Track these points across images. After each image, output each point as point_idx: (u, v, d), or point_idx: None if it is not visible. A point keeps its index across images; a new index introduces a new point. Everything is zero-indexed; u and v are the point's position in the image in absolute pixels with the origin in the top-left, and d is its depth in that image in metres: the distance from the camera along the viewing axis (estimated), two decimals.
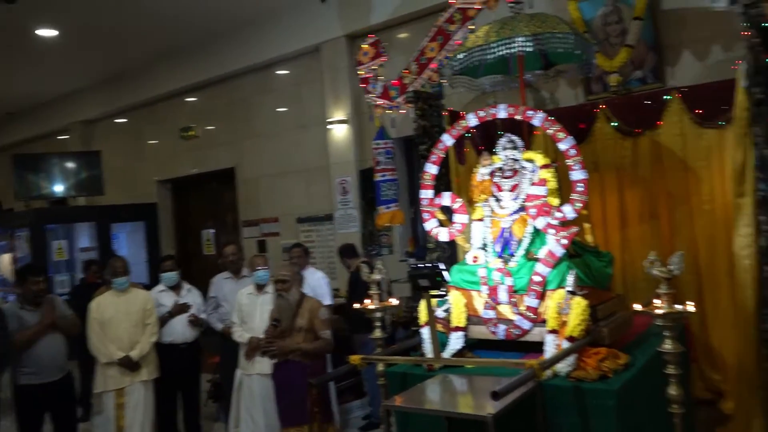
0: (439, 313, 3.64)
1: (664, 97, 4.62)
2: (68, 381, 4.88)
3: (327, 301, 5.40)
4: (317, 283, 5.59)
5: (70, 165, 9.62)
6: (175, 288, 5.48)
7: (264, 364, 4.86)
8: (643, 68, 5.33)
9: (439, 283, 3.22)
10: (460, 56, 4.13)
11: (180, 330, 5.29)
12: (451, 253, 4.87)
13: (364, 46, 5.38)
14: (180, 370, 5.30)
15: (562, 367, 3.11)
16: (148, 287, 5.64)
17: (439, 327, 3.59)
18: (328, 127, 7.46)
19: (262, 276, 5.02)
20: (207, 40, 8.48)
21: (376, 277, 3.90)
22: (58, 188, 9.47)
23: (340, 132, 7.41)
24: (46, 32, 7.97)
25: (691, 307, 2.96)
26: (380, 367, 3.78)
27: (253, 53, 8.27)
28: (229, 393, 5.16)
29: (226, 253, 5.66)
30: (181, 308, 5.31)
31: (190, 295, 5.52)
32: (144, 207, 9.81)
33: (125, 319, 4.95)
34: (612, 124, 4.87)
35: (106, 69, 9.62)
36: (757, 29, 3.57)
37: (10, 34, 7.81)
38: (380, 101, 5.29)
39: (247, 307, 5.02)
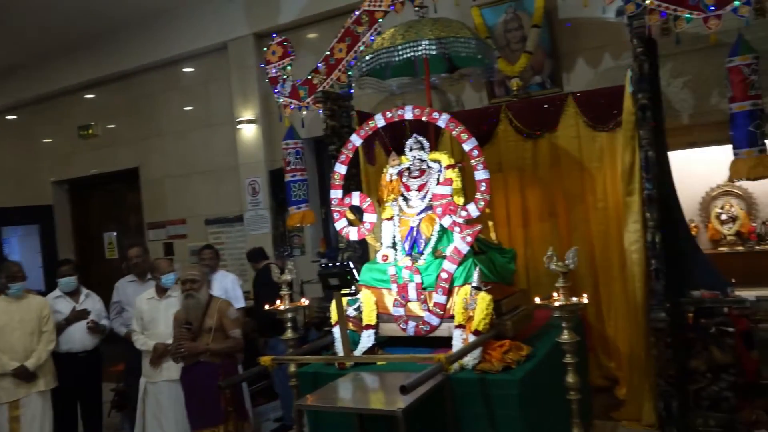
0: (351, 311, 3.68)
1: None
2: None
3: (239, 304, 5.31)
4: (229, 286, 5.48)
5: None
6: (73, 294, 5.21)
7: (171, 371, 4.70)
8: (541, 74, 5.60)
9: (349, 282, 3.26)
10: (368, 58, 4.19)
11: (78, 338, 5.04)
12: (362, 252, 4.93)
13: (272, 45, 5.33)
14: (79, 379, 5.05)
15: (469, 360, 3.23)
16: (43, 294, 5.33)
17: (351, 326, 3.63)
18: (237, 126, 7.33)
19: (169, 280, 4.86)
20: (108, 34, 8.10)
21: (287, 277, 3.89)
22: None
23: (249, 132, 7.31)
24: None
25: (585, 299, 3.16)
26: (292, 368, 3.78)
27: (158, 49, 7.98)
28: (135, 401, 4.97)
29: (130, 256, 5.43)
30: (79, 315, 5.06)
31: (89, 300, 5.25)
32: (38, 209, 9.24)
33: (19, 327, 4.67)
34: (513, 126, 5.09)
35: None
36: (640, 40, 3.85)
37: None
38: (289, 101, 5.27)
39: (149, 313, 4.83)
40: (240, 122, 7.30)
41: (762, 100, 3.69)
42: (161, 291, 4.86)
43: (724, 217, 5.64)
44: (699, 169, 5.48)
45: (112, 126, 8.80)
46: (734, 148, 3.73)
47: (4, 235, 8.95)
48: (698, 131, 4.99)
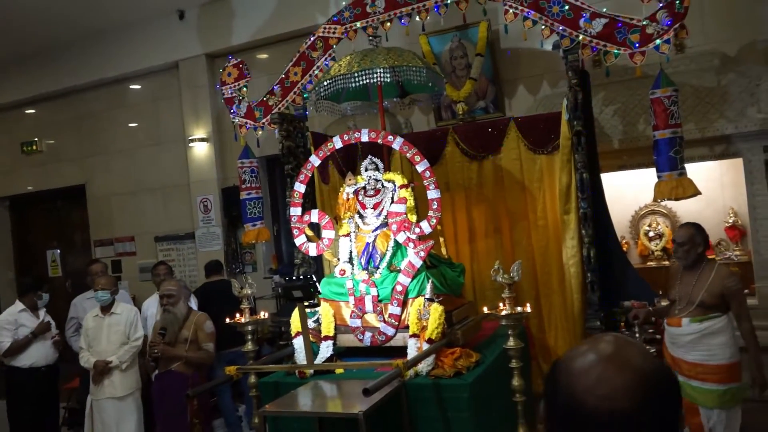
0: (310, 323, 3.85)
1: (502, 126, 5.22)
2: None
3: None
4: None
5: None
6: (34, 309, 5.22)
7: (114, 387, 4.73)
8: (485, 99, 5.96)
9: (312, 294, 3.45)
10: (325, 83, 4.40)
11: (42, 352, 5.08)
12: (317, 268, 5.11)
13: (228, 66, 5.48)
14: (39, 393, 5.05)
15: (423, 366, 3.46)
16: None
17: (311, 337, 3.80)
18: (189, 144, 7.41)
19: (101, 297, 4.87)
20: (52, 50, 8.05)
21: (247, 291, 4.04)
22: None
23: (201, 150, 7.39)
24: None
25: (528, 308, 3.45)
26: (252, 378, 3.92)
27: (105, 66, 7.98)
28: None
29: (93, 272, 5.44)
30: (44, 327, 5.08)
31: (47, 316, 5.27)
32: None
33: None
34: (460, 148, 5.39)
35: None
36: (575, 72, 4.22)
37: None
38: (245, 121, 5.42)
39: (93, 330, 4.85)
40: (192, 140, 7.37)
41: (681, 129, 4.10)
42: (106, 309, 4.89)
43: (651, 234, 6.09)
44: (629, 190, 5.90)
45: (57, 142, 8.68)
46: (657, 171, 4.13)
47: None
48: (627, 155, 5.40)
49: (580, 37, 4.18)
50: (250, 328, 3.92)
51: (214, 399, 5.86)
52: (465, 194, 5.38)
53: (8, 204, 9.32)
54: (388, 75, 4.25)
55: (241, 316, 3.95)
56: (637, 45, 4.06)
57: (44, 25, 7.37)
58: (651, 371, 1.01)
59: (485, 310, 3.50)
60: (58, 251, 8.83)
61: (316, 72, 5.15)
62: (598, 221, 4.34)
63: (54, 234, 8.95)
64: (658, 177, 4.13)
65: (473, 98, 5.90)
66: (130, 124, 8.08)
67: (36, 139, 8.78)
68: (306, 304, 3.51)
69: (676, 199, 4.11)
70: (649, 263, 6.08)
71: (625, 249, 5.82)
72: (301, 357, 3.73)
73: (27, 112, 8.89)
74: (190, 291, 4.96)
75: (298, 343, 3.76)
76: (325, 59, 5.14)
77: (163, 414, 3.62)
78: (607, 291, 4.30)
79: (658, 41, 3.99)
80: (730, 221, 5.49)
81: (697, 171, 4.91)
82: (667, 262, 5.78)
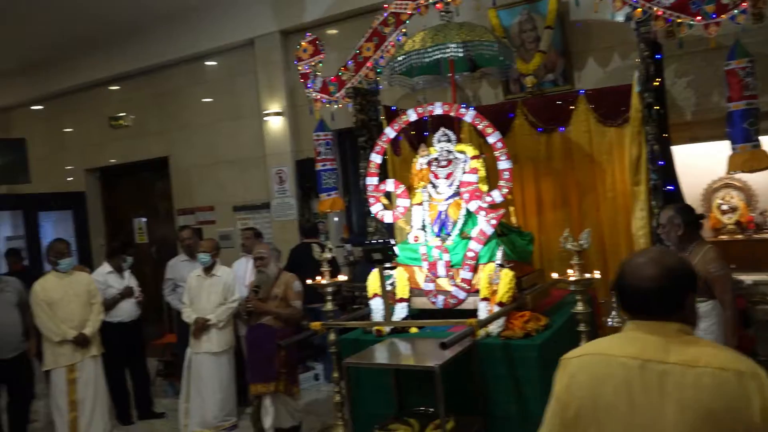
0: (386, 287, 4.11)
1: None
2: (23, 359, 5.14)
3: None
4: (240, 273, 5.89)
5: None
6: (120, 270, 5.74)
7: (212, 343, 5.18)
8: (554, 72, 5.99)
9: (390, 256, 3.69)
10: (400, 58, 4.59)
11: (128, 309, 5.61)
12: (389, 236, 5.35)
13: (304, 43, 5.72)
14: (128, 345, 5.66)
15: (494, 327, 3.67)
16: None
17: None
18: (265, 118, 7.75)
19: (202, 259, 5.29)
20: (135, 30, 8.46)
21: (327, 255, 4.33)
22: None
23: (275, 124, 7.72)
24: None
25: (597, 274, 3.58)
26: (332, 336, 4.23)
27: (184, 45, 8.37)
28: (180, 370, 5.43)
29: (182, 237, 5.92)
30: (128, 291, 5.59)
31: (132, 278, 5.80)
32: (71, 195, 9.69)
33: (75, 299, 5.13)
34: (529, 120, 5.49)
35: (24, 55, 9.34)
36: (646, 44, 4.24)
37: None
38: (320, 96, 5.67)
39: (195, 289, 5.29)
40: (267, 114, 7.71)
41: (757, 100, 4.08)
42: (207, 269, 5.31)
43: (724, 207, 6.01)
44: (702, 163, 5.83)
45: (142, 117, 9.22)
46: (731, 143, 4.14)
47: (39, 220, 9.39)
48: (700, 127, 5.35)
49: (654, 8, 4.19)
50: (330, 289, 4.20)
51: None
52: (533, 166, 5.49)
53: (99, 175, 9.99)
54: (461, 50, 4.40)
55: (322, 277, 4.24)
56: (714, 15, 4.05)
57: (127, 6, 7.78)
58: (675, 268, 1.61)
59: (554, 276, 3.65)
60: (144, 220, 9.44)
61: (388, 47, 5.32)
62: (668, 194, 4.38)
63: (140, 203, 9.56)
64: (732, 149, 4.13)
65: (542, 71, 5.94)
66: (209, 100, 8.49)
67: (122, 114, 9.35)
68: (386, 266, 3.75)
69: (750, 171, 4.12)
70: (721, 237, 6.02)
71: None
72: (378, 317, 4.00)
73: (112, 89, 9.45)
74: (279, 252, 5.32)
75: (376, 303, 4.03)
76: (397, 35, 5.29)
77: (254, 362, 3.96)
78: None
79: (735, 11, 3.96)
80: None
81: None
82: (740, 236, 5.73)
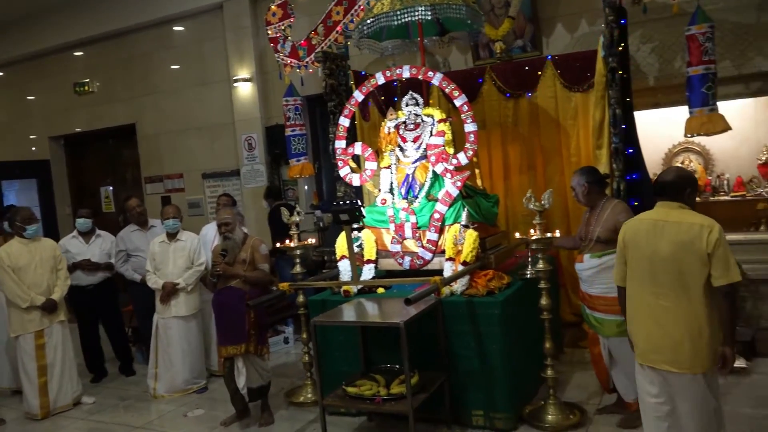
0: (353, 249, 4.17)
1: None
2: None
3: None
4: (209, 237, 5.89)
5: None
6: (87, 234, 5.71)
7: (179, 308, 5.19)
8: (523, 38, 6.03)
9: (357, 217, 3.74)
10: (369, 21, 4.58)
11: (79, 275, 5.62)
12: (357, 199, 5.40)
13: (273, 6, 5.65)
14: (95, 305, 5.72)
15: (458, 286, 3.76)
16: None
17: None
18: (234, 84, 7.67)
19: (172, 225, 5.27)
20: None
21: (295, 219, 4.37)
22: None
23: (245, 90, 7.65)
24: None
25: (558, 233, 3.69)
26: (300, 297, 4.29)
27: (150, 9, 8.20)
28: (148, 337, 5.45)
29: (130, 207, 5.81)
30: (78, 265, 5.63)
31: (99, 240, 5.81)
32: (35, 164, 9.52)
33: (41, 265, 5.08)
34: (497, 86, 5.53)
35: None
36: (611, 9, 4.29)
37: None
38: (289, 60, 5.63)
39: (160, 255, 5.27)
40: (236, 80, 7.63)
41: (715, 65, 4.19)
42: (171, 235, 5.29)
43: None
44: (663, 128, 5.98)
45: (108, 83, 9.03)
46: (689, 107, 4.24)
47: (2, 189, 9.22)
48: (663, 93, 5.47)
49: None
50: (298, 252, 4.25)
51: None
52: (501, 131, 5.56)
53: (63, 143, 9.79)
54: (429, 13, 4.40)
55: (290, 241, 4.28)
56: None
57: None
58: (681, 174, 2.82)
59: (517, 235, 3.75)
60: (111, 188, 9.32)
61: (357, 11, 5.29)
62: (628, 157, 4.48)
63: (107, 171, 9.42)
64: (690, 113, 4.24)
65: (511, 37, 5.97)
66: (177, 65, 8.35)
67: (87, 80, 9.14)
68: (354, 227, 3.80)
69: (706, 134, 4.23)
70: None
71: None
72: (346, 277, 4.06)
73: (77, 54, 9.22)
74: (243, 217, 5.33)
75: (343, 264, 4.09)
76: None
77: (223, 324, 4.00)
78: None
79: None
80: (763, 158, 5.56)
81: (731, 108, 5.00)
82: (697, 198, 5.89)
